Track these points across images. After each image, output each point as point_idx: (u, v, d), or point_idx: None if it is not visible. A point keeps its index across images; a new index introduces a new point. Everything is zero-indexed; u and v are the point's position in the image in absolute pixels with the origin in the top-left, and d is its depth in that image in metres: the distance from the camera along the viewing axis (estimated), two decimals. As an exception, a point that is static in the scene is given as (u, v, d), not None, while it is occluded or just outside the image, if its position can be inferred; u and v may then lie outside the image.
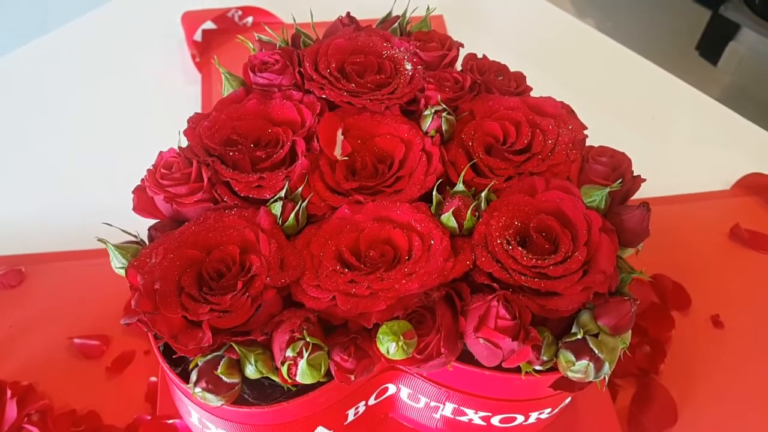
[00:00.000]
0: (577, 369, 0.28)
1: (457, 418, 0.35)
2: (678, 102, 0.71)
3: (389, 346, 0.26)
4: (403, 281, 0.27)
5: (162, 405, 0.38)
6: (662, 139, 0.68)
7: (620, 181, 0.29)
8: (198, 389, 0.26)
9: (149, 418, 0.49)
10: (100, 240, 0.30)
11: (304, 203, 0.30)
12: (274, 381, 0.30)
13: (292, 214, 0.30)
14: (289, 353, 0.26)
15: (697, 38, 1.72)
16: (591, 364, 0.27)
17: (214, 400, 0.27)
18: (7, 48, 0.72)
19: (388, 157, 0.33)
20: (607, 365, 0.28)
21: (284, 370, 0.26)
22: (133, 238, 0.30)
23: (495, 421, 0.35)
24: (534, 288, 0.28)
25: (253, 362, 0.27)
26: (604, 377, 0.28)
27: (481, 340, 0.27)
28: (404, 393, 0.35)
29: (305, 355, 0.25)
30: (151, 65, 0.70)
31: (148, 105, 0.62)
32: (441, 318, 0.27)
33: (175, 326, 0.27)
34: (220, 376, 0.26)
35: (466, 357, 0.30)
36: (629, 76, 0.71)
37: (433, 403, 0.35)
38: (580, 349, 0.28)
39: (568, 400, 0.35)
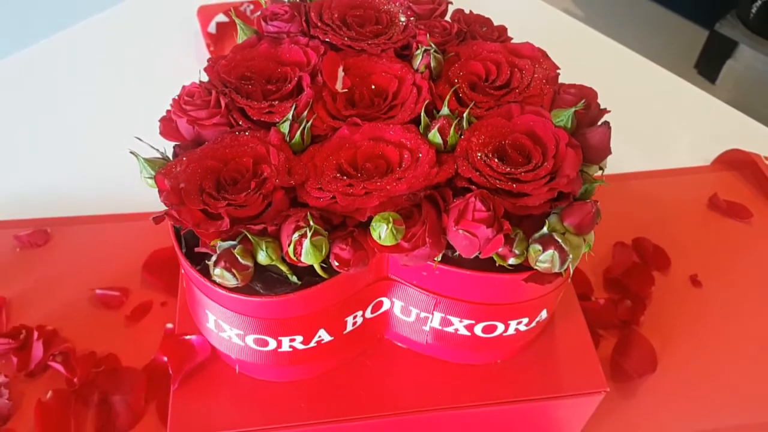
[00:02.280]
0: (544, 259, 0.32)
1: (444, 329, 0.39)
2: (664, 90, 0.75)
3: (381, 230, 0.30)
4: (394, 184, 0.32)
5: (180, 324, 0.42)
6: (647, 122, 0.72)
7: (583, 101, 0.34)
8: (218, 269, 0.31)
9: (165, 359, 0.53)
10: (132, 153, 0.34)
11: (309, 123, 0.34)
12: (284, 278, 0.34)
13: (298, 132, 0.34)
14: (295, 236, 0.30)
15: (695, 57, 1.78)
16: (556, 253, 0.31)
17: (231, 279, 0.31)
18: (42, 35, 0.78)
19: (383, 91, 0.37)
20: (570, 257, 0.32)
21: (291, 250, 0.30)
22: (160, 156, 0.35)
23: (478, 330, 0.39)
24: (507, 189, 0.32)
25: (264, 248, 0.31)
26: (569, 268, 0.32)
27: (461, 231, 0.31)
28: (397, 307, 0.39)
29: (309, 235, 0.30)
30: (170, 54, 0.75)
31: (166, 88, 0.67)
32: (426, 214, 0.32)
33: (198, 217, 0.31)
34: (237, 256, 0.30)
35: (451, 261, 0.35)
36: (616, 67, 0.76)
37: (423, 314, 0.39)
38: (548, 242, 0.32)
39: (544, 315, 0.39)
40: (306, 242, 0.30)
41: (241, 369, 0.41)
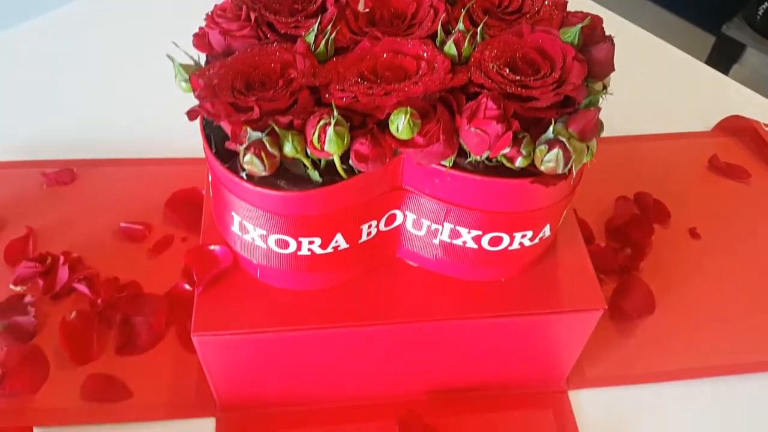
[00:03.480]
0: (550, 158, 0.34)
1: (453, 242, 0.42)
2: (668, 62, 0.78)
3: (399, 122, 0.33)
4: (412, 86, 0.34)
5: (205, 236, 0.45)
6: (650, 91, 0.75)
7: (589, 18, 0.37)
8: (248, 156, 0.33)
9: (187, 286, 0.56)
10: (168, 56, 0.37)
11: (333, 34, 0.37)
12: (306, 177, 0.37)
13: (323, 43, 0.37)
14: (321, 123, 0.33)
15: (703, 61, 1.80)
16: (560, 152, 0.34)
17: (259, 165, 0.34)
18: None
19: (402, 12, 0.40)
20: (573, 158, 0.34)
21: (315, 138, 0.33)
22: (194, 63, 0.38)
23: (485, 243, 0.41)
24: (516, 94, 0.35)
25: (290, 140, 0.34)
26: (572, 169, 0.35)
27: (473, 129, 0.34)
28: (409, 221, 0.42)
29: (332, 123, 0.32)
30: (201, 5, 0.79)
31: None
32: (441, 113, 0.34)
33: (230, 109, 0.34)
34: (265, 143, 0.33)
35: (462, 169, 0.37)
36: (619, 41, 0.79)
37: (433, 226, 0.41)
38: (553, 143, 0.34)
39: (547, 231, 0.42)
40: (330, 130, 0.32)
41: (261, 275, 0.43)
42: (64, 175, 0.64)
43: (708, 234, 0.61)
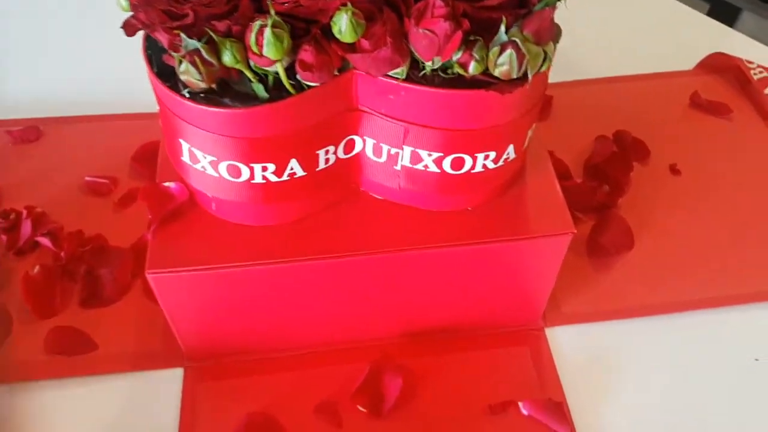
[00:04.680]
0: (503, 61, 0.33)
1: (415, 167, 0.40)
2: (649, 3, 0.76)
3: (341, 22, 0.31)
4: (357, -10, 0.33)
5: (160, 174, 0.43)
6: (632, 34, 0.73)
7: None
8: (183, 64, 0.32)
9: (150, 231, 0.54)
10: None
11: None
12: (253, 95, 0.35)
13: (265, -51, 0.35)
14: (257, 25, 0.31)
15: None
16: (514, 53, 0.32)
17: (195, 74, 0.32)
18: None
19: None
20: (527, 60, 0.33)
21: (252, 42, 0.31)
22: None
23: (447, 166, 0.39)
24: (466, -6, 0.33)
25: (228, 48, 0.32)
26: (527, 74, 0.33)
27: (421, 30, 0.32)
28: (369, 147, 0.40)
29: (269, 24, 0.31)
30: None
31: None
32: (387, 16, 0.33)
33: (164, 17, 0.32)
34: (201, 50, 0.31)
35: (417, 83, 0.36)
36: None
37: (393, 150, 0.40)
38: (506, 45, 0.33)
39: (511, 152, 0.40)
40: (267, 32, 0.31)
41: (217, 209, 0.42)
42: (29, 132, 0.62)
43: (688, 170, 0.60)
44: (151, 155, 0.60)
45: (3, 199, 0.57)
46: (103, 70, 0.68)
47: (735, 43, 0.72)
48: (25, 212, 0.55)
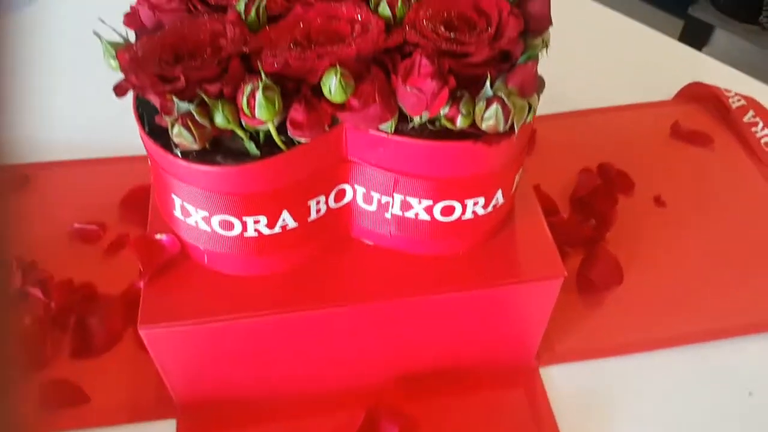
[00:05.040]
0: (489, 115, 0.33)
1: (405, 214, 0.40)
2: (627, 35, 0.78)
3: (330, 83, 0.32)
4: (345, 48, 0.33)
5: (152, 225, 0.43)
6: (612, 65, 0.74)
7: (523, -29, 0.36)
8: (176, 127, 0.32)
9: (142, 285, 0.54)
10: (95, 33, 0.36)
11: (263, 1, 0.36)
12: (245, 152, 0.35)
13: (254, 10, 0.36)
14: (248, 89, 0.31)
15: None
16: (499, 108, 0.33)
17: (188, 137, 0.32)
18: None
19: (336, -19, 0.39)
20: (513, 114, 0.33)
21: (244, 105, 0.32)
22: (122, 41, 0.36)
23: (437, 213, 0.40)
24: (452, 50, 0.34)
25: (220, 109, 0.32)
26: (513, 127, 0.34)
27: (409, 88, 0.33)
28: (359, 195, 0.41)
29: (260, 87, 0.31)
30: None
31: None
32: (375, 74, 0.33)
33: (155, 80, 0.33)
34: (194, 114, 0.32)
35: (406, 135, 0.36)
36: (580, 16, 0.78)
37: (384, 199, 0.40)
38: (492, 100, 0.33)
39: (500, 197, 0.41)
40: (258, 94, 0.31)
41: (209, 262, 0.42)
42: (17, 179, 0.62)
43: (673, 201, 0.60)
44: (139, 200, 0.60)
45: (-9, 249, 0.57)
46: (90, 113, 0.68)
47: (711, 69, 0.74)
48: (14, 262, 0.54)
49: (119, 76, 0.34)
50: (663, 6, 1.97)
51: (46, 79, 0.73)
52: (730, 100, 0.67)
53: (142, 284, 0.41)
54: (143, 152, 0.63)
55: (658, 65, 0.74)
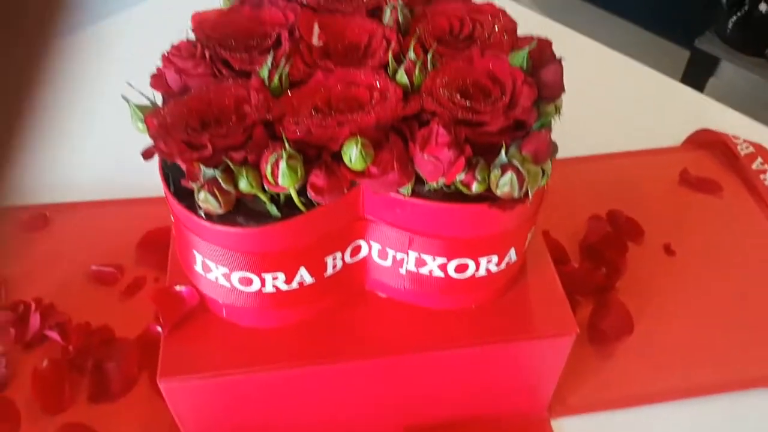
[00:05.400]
0: (504, 183, 0.34)
1: (420, 270, 0.41)
2: (636, 79, 0.79)
3: (351, 152, 0.33)
4: (365, 116, 0.35)
5: (171, 277, 0.44)
6: (621, 109, 0.75)
7: (535, 40, 0.37)
8: (202, 193, 0.33)
9: (159, 329, 0.55)
10: (123, 98, 0.37)
11: (286, 68, 0.37)
12: (265, 212, 0.36)
13: (276, 77, 0.37)
14: (272, 158, 0.32)
15: (680, 77, 1.83)
16: (514, 176, 0.34)
17: (214, 203, 0.33)
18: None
19: (355, 44, 0.40)
20: (527, 182, 0.34)
21: (268, 173, 0.33)
22: (150, 104, 0.38)
23: (451, 270, 0.41)
24: (468, 119, 0.35)
25: (245, 176, 0.34)
26: (528, 193, 0.35)
27: (426, 156, 0.34)
28: (375, 251, 0.42)
29: (284, 157, 0.32)
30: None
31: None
32: (394, 142, 0.34)
33: (183, 147, 0.34)
34: (219, 181, 0.33)
35: (422, 197, 0.37)
36: (589, 62, 0.80)
37: (399, 255, 0.41)
38: (506, 167, 0.34)
39: (513, 255, 0.42)
40: (282, 164, 0.32)
41: (227, 314, 0.43)
42: (36, 220, 0.64)
43: (682, 249, 0.61)
44: (155, 242, 0.61)
45: (11, 289, 0.58)
46: (109, 155, 0.70)
47: (716, 112, 0.75)
48: (33, 305, 0.55)
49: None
50: (670, 37, 2.00)
51: (63, 119, 0.74)
52: (739, 147, 0.68)
53: (162, 336, 0.42)
54: (160, 193, 0.65)
55: (664, 108, 0.75)
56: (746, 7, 1.51)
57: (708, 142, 0.70)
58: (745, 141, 0.69)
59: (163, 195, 0.40)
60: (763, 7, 1.48)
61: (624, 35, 2.01)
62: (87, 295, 0.58)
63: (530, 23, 0.76)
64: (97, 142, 0.72)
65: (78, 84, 0.78)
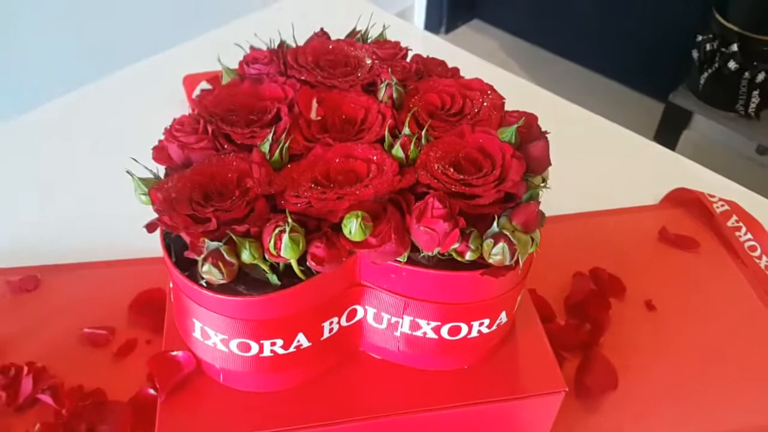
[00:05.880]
0: (496, 252, 0.36)
1: (414, 333, 0.43)
2: (615, 140, 0.82)
3: (351, 225, 0.34)
4: (363, 189, 0.36)
5: (167, 342, 0.45)
6: (600, 170, 0.78)
7: (523, 119, 0.39)
8: (206, 265, 0.34)
9: (151, 391, 0.55)
10: (127, 172, 0.38)
11: (287, 143, 0.39)
12: (265, 281, 0.38)
13: (277, 151, 0.39)
14: (276, 231, 0.34)
15: (654, 129, 1.90)
16: (506, 246, 0.36)
17: (217, 274, 0.35)
18: (37, 103, 0.84)
19: (352, 119, 0.43)
20: (518, 251, 0.36)
21: (271, 245, 0.34)
22: (153, 176, 0.39)
23: (444, 332, 0.42)
24: (461, 192, 0.37)
25: (247, 248, 0.35)
26: (519, 262, 0.37)
27: (422, 228, 0.35)
28: (370, 315, 0.43)
29: (287, 230, 0.34)
30: (158, 120, 0.81)
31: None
32: (391, 214, 0.36)
33: (187, 221, 0.35)
34: (223, 253, 0.34)
35: (417, 264, 0.39)
36: (570, 125, 0.83)
37: (393, 319, 0.42)
38: (498, 237, 0.36)
39: (504, 317, 0.43)
40: (285, 237, 0.34)
41: (224, 379, 0.43)
42: (27, 282, 0.64)
43: (663, 305, 0.63)
44: (148, 304, 0.62)
45: (2, 352, 0.58)
46: (100, 216, 0.70)
47: (690, 171, 0.78)
48: (26, 368, 0.55)
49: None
50: (645, 91, 2.07)
51: (54, 179, 0.75)
52: (714, 206, 0.71)
53: (158, 402, 0.43)
54: (152, 254, 0.66)
55: (642, 167, 0.79)
56: (717, 65, 1.58)
57: (685, 201, 0.73)
58: (720, 199, 0.72)
59: (154, 256, 0.41)
60: (732, 64, 1.55)
61: (602, 90, 2.08)
62: (79, 358, 0.58)
63: (512, 86, 0.80)
64: (87, 203, 0.73)
65: (66, 149, 0.79)
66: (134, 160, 0.40)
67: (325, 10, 0.99)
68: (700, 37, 1.61)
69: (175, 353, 0.44)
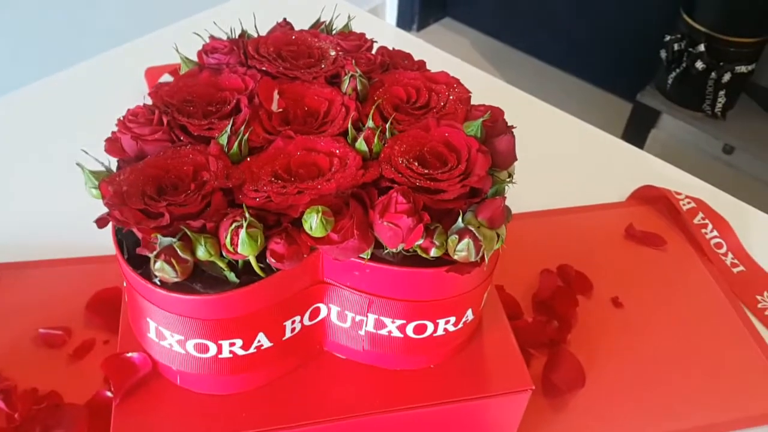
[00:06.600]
0: (461, 248, 0.35)
1: (379, 332, 0.41)
2: (582, 138, 0.82)
3: (311, 221, 0.33)
4: (325, 183, 0.35)
5: (122, 343, 0.43)
6: (567, 167, 0.78)
7: (489, 112, 0.38)
8: (158, 262, 0.33)
9: (109, 394, 0.53)
10: (78, 164, 0.37)
11: (246, 135, 0.38)
12: (223, 279, 0.36)
13: (236, 144, 0.37)
14: (232, 227, 0.33)
15: (622, 128, 1.92)
16: (471, 242, 0.35)
17: (170, 272, 0.33)
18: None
19: (315, 111, 0.41)
20: (483, 247, 0.35)
21: (228, 242, 0.33)
22: (105, 169, 0.37)
23: (410, 331, 0.41)
24: (425, 187, 0.36)
25: (203, 244, 0.34)
26: (484, 258, 0.36)
27: (385, 223, 0.34)
28: (334, 313, 0.42)
29: (244, 226, 0.32)
30: (119, 113, 0.79)
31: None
32: (354, 209, 0.35)
33: (139, 216, 0.34)
34: (176, 249, 0.33)
35: (381, 261, 0.38)
36: (537, 121, 0.83)
37: (358, 318, 0.41)
38: (463, 233, 0.35)
39: (470, 315, 0.42)
40: (242, 233, 0.33)
41: (182, 381, 0.42)
42: (-21, 281, 0.61)
43: (630, 302, 0.63)
44: (105, 303, 0.60)
45: (-49, 355, 0.56)
46: (55, 213, 0.68)
47: (657, 168, 0.78)
48: (-23, 371, 0.53)
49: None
50: (613, 91, 2.09)
51: (8, 176, 0.73)
52: (681, 203, 0.71)
53: (113, 404, 0.41)
54: (109, 252, 0.63)
55: (609, 165, 0.79)
56: (684, 64, 1.60)
57: (651, 198, 0.73)
58: (687, 197, 0.72)
59: (112, 254, 0.39)
60: (699, 64, 1.56)
61: (571, 89, 2.10)
62: (33, 359, 0.56)
63: (479, 82, 0.79)
64: (42, 199, 0.70)
65: (19, 144, 0.76)
66: (84, 152, 0.38)
67: (294, 4, 0.98)
68: (668, 37, 1.63)
69: (130, 355, 0.43)
